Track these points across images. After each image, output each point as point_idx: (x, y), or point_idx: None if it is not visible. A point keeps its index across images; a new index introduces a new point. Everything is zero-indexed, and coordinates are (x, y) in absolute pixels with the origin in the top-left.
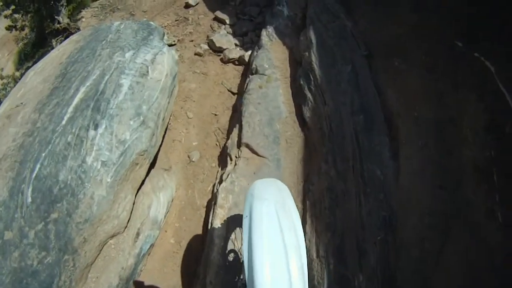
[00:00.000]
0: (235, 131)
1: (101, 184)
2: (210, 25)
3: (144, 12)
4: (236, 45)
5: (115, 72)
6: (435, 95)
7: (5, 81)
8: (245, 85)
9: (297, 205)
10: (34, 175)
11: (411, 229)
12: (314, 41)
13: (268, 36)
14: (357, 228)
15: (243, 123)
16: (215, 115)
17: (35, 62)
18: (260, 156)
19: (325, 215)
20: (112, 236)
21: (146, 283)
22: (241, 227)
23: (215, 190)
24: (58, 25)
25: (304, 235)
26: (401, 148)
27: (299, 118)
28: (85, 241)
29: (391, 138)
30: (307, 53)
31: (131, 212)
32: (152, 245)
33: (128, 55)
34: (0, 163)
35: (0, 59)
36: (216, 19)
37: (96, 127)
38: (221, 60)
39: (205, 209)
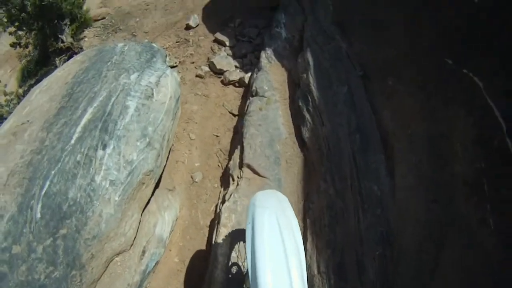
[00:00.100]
0: (237, 152)
1: (109, 203)
2: (211, 47)
3: (146, 33)
4: (236, 67)
5: (121, 94)
6: (427, 112)
7: (8, 97)
8: (246, 107)
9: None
10: (43, 191)
11: (408, 241)
12: (311, 63)
13: (267, 58)
14: (356, 243)
15: (244, 144)
16: (217, 136)
17: (38, 80)
18: (262, 176)
19: (325, 232)
20: (119, 253)
21: None
22: (244, 241)
23: (218, 210)
24: (61, 44)
25: (305, 252)
26: (396, 165)
27: (299, 139)
28: (93, 257)
29: (387, 156)
30: (304, 75)
31: (137, 230)
32: (157, 263)
33: (133, 77)
34: (7, 179)
35: (2, 75)
36: (216, 41)
37: (104, 147)
38: (222, 82)
39: (208, 228)
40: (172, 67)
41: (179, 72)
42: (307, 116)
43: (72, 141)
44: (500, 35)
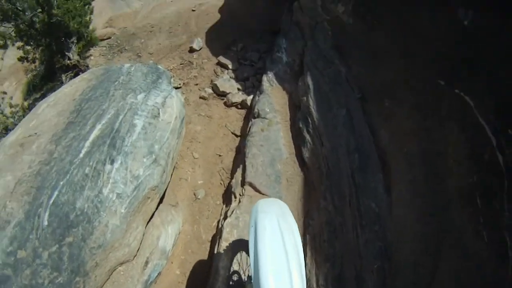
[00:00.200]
0: (239, 171)
1: (115, 214)
2: (214, 70)
3: (150, 54)
4: (238, 89)
5: (128, 113)
6: (423, 131)
7: (13, 109)
8: (248, 128)
9: None
10: (51, 201)
11: (405, 254)
12: (311, 86)
13: (268, 81)
14: (355, 258)
15: (246, 163)
16: (220, 156)
17: (43, 94)
18: (263, 194)
19: (325, 247)
20: (122, 263)
21: None
22: (245, 251)
23: (220, 226)
24: (68, 61)
25: (305, 267)
26: (393, 183)
27: (299, 159)
28: (97, 266)
29: (384, 174)
30: (305, 98)
31: (141, 242)
32: (159, 274)
33: (140, 97)
34: (15, 187)
35: (8, 87)
36: (219, 64)
37: (112, 162)
38: (225, 103)
39: (209, 243)
40: (176, 88)
41: (183, 93)
42: (307, 137)
43: (81, 155)
44: (487, 57)
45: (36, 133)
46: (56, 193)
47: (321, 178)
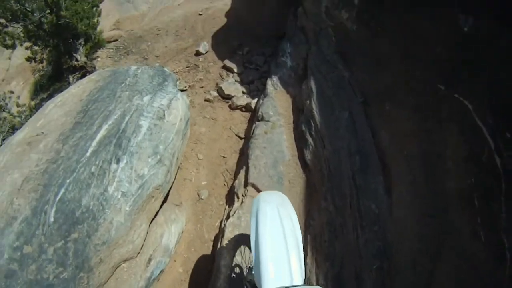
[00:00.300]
0: (242, 172)
1: (120, 212)
2: (219, 73)
3: (157, 57)
4: (243, 92)
5: (134, 114)
6: (423, 133)
7: (20, 109)
8: (252, 130)
9: None
10: (58, 198)
11: (404, 255)
12: (314, 90)
13: (273, 85)
14: (355, 258)
15: (249, 165)
16: (224, 157)
17: (50, 95)
18: None
19: (325, 247)
20: (126, 260)
21: None
22: (247, 246)
23: (223, 225)
24: (75, 62)
25: (305, 266)
26: (394, 184)
27: (301, 161)
28: (101, 262)
29: (385, 176)
30: (308, 102)
31: (144, 239)
32: (162, 271)
33: (146, 99)
34: (22, 184)
35: (15, 87)
36: (225, 67)
37: (118, 161)
38: (229, 106)
39: (212, 242)
40: (182, 90)
41: (189, 96)
42: (310, 139)
43: (88, 154)
44: (485, 61)
45: (43, 132)
46: (62, 190)
47: (322, 180)
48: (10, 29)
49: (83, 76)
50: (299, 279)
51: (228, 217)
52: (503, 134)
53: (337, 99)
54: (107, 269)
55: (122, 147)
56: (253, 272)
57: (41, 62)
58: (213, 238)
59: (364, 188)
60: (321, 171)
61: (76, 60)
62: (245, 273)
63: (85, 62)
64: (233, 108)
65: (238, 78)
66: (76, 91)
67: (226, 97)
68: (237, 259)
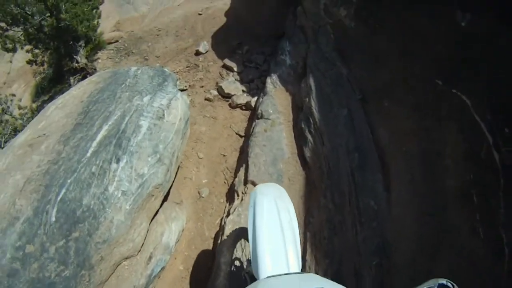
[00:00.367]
0: (242, 170)
1: (120, 211)
2: (219, 72)
3: (157, 57)
4: (243, 91)
5: (134, 114)
6: (422, 131)
7: (22, 111)
8: (252, 128)
9: None
10: (59, 198)
11: (403, 252)
12: (313, 88)
13: (272, 83)
14: (354, 254)
15: (249, 163)
16: (224, 156)
17: (51, 97)
18: None
19: (324, 244)
20: (126, 258)
21: None
22: (245, 238)
23: (223, 223)
24: (76, 64)
25: (305, 263)
26: (392, 182)
27: (301, 158)
28: (102, 260)
29: (384, 173)
30: (307, 99)
31: (145, 238)
32: (162, 269)
33: (146, 99)
34: (24, 185)
35: (16, 89)
36: (225, 66)
37: (118, 161)
38: (229, 105)
39: (212, 240)
40: (182, 90)
41: (189, 95)
42: (309, 137)
43: (88, 154)
44: (485, 59)
45: (44, 134)
46: (63, 190)
47: (321, 177)
48: (10, 32)
49: (84, 77)
50: (296, 270)
51: (228, 214)
52: (502, 130)
53: (335, 97)
54: (108, 267)
55: (122, 147)
56: (251, 265)
57: (42, 64)
58: (213, 235)
59: (363, 185)
60: (321, 169)
61: (77, 62)
62: (244, 266)
63: (86, 64)
64: (233, 106)
65: (238, 77)
66: (77, 93)
67: (226, 96)
68: (238, 252)
